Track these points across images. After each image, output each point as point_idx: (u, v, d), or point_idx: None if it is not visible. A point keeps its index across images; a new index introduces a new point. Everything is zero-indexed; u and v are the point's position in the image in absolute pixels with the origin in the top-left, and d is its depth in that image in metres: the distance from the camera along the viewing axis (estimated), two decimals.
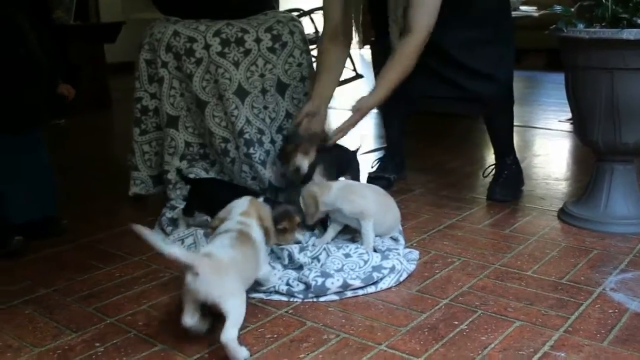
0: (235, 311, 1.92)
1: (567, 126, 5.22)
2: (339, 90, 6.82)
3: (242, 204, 2.35)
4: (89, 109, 6.20)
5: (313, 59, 3.55)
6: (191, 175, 3.22)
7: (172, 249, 1.92)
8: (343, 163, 3.16)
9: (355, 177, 3.18)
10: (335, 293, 2.34)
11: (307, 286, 2.34)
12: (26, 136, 2.92)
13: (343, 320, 2.18)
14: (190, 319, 1.99)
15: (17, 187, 2.85)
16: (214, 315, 2.04)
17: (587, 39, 2.71)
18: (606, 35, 2.66)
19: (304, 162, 2.86)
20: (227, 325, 1.89)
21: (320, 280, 2.33)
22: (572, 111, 3.05)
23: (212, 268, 1.94)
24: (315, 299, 2.32)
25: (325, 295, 2.33)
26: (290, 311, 2.25)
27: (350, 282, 2.34)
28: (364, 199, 2.66)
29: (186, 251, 2.04)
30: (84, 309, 2.33)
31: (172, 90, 3.29)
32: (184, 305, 1.99)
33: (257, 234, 2.26)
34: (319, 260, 2.52)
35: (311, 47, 4.05)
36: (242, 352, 1.92)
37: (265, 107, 3.27)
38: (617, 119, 2.80)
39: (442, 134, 5.25)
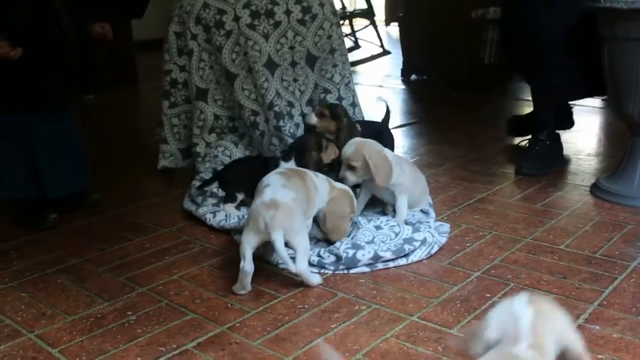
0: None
1: (599, 102, 5.14)
2: (366, 67, 6.82)
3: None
4: (116, 84, 6.20)
5: (342, 32, 3.52)
6: (209, 165, 3.22)
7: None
8: (375, 137, 3.12)
9: (391, 148, 3.13)
10: (366, 265, 2.33)
11: (338, 258, 2.33)
12: (62, 113, 2.92)
13: (374, 292, 2.17)
14: (250, 265, 2.12)
15: (55, 163, 2.86)
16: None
17: (626, 9, 2.65)
18: None
19: (350, 176, 2.65)
20: (298, 258, 2.13)
21: (351, 252, 2.32)
22: (608, 84, 2.99)
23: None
24: (346, 271, 2.31)
25: (356, 267, 2.32)
26: (321, 283, 2.24)
27: (381, 254, 2.33)
28: (403, 173, 2.63)
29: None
30: (115, 279, 2.34)
31: (201, 63, 3.28)
32: (245, 253, 2.12)
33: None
34: (349, 235, 2.51)
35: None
36: (315, 278, 2.21)
37: (295, 80, 3.25)
38: None
39: (474, 109, 5.19)
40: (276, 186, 2.23)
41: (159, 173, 3.54)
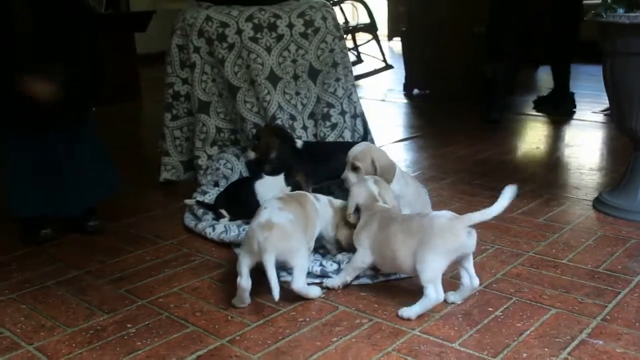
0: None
1: (601, 117, 5.14)
2: (368, 81, 6.84)
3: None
4: (119, 97, 6.22)
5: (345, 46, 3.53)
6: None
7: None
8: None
9: None
10: (368, 277, 2.31)
11: (340, 266, 2.32)
12: (83, 126, 2.89)
13: (375, 305, 2.15)
14: (247, 280, 2.11)
15: (81, 175, 2.82)
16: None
17: (628, 24, 2.65)
18: None
19: (352, 177, 2.60)
20: (295, 276, 2.13)
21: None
22: (610, 99, 2.99)
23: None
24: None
25: (359, 277, 2.30)
26: (322, 296, 2.23)
27: None
28: (407, 185, 2.63)
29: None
30: (115, 291, 2.33)
31: (204, 76, 3.29)
32: (241, 270, 2.10)
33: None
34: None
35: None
36: (314, 290, 2.22)
37: (297, 93, 3.26)
38: None
39: (476, 123, 5.18)
40: (273, 209, 2.21)
41: (160, 185, 3.54)
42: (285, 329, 2.02)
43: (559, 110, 5.22)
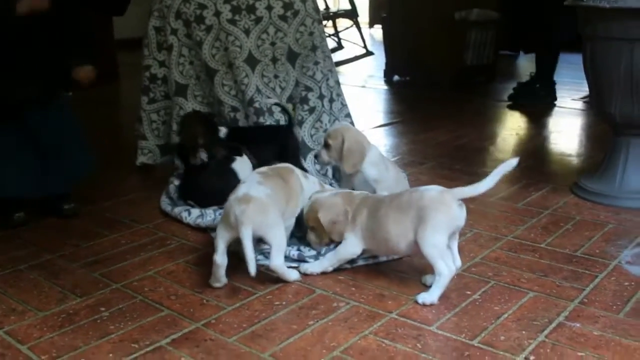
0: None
1: (580, 105, 5.15)
2: (349, 67, 6.81)
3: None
4: (96, 82, 6.12)
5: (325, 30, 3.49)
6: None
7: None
8: (276, 140, 3.02)
9: (293, 152, 3.03)
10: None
11: (319, 253, 2.30)
12: (59, 108, 2.85)
13: (353, 289, 2.13)
14: (222, 257, 2.09)
15: (60, 156, 2.79)
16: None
17: (608, 8, 2.64)
18: (628, 4, 2.60)
19: (323, 154, 2.64)
20: (272, 254, 2.10)
21: (333, 244, 2.29)
22: (590, 84, 2.98)
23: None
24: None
25: None
26: (300, 279, 2.20)
27: None
28: (387, 170, 2.62)
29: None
30: (89, 275, 2.29)
31: (181, 58, 3.24)
32: (217, 246, 2.09)
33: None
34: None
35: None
36: (293, 273, 2.17)
37: (276, 76, 3.21)
38: (635, 91, 2.73)
39: (456, 110, 5.18)
40: (252, 183, 2.20)
41: (137, 169, 3.49)
42: (262, 312, 1.99)
43: (539, 100, 5.19)
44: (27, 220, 2.78)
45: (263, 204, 2.10)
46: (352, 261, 2.29)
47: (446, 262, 2.00)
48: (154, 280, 2.24)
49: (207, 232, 2.61)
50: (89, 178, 2.91)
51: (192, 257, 2.42)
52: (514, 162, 2.02)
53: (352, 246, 2.20)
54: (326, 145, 2.60)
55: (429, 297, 2.01)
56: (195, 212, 2.73)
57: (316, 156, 2.69)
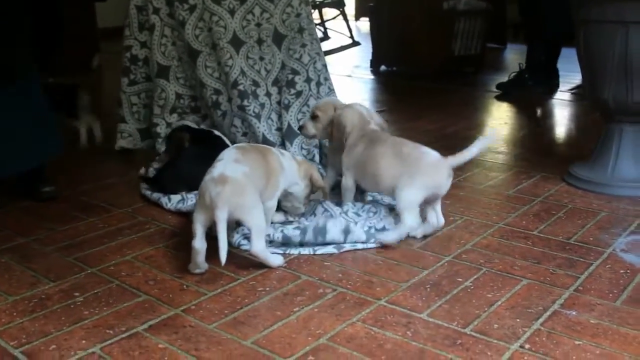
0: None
1: (569, 96, 5.10)
2: (335, 57, 6.72)
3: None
4: (78, 70, 5.99)
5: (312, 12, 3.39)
6: None
7: None
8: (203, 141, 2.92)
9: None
10: (334, 245, 2.20)
11: (304, 232, 2.21)
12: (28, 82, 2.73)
13: (340, 275, 2.05)
14: (201, 242, 2.01)
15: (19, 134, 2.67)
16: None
17: None
18: None
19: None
20: (253, 238, 2.01)
21: (321, 222, 2.22)
22: (583, 69, 2.91)
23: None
24: (312, 251, 2.19)
25: (325, 240, 2.20)
26: (284, 265, 2.11)
27: (352, 227, 2.22)
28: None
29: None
30: (63, 259, 2.19)
31: (163, 39, 3.13)
32: (195, 231, 2.01)
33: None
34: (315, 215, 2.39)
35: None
36: (276, 258, 2.09)
37: (261, 58, 3.11)
38: (630, 76, 2.66)
39: (443, 100, 5.10)
40: (228, 161, 2.08)
41: (117, 154, 3.38)
42: (244, 299, 1.90)
43: (528, 90, 5.08)
44: (1, 203, 2.67)
45: (240, 185, 1.99)
46: (338, 246, 2.21)
47: (412, 215, 2.18)
48: (132, 264, 2.14)
49: (188, 217, 2.51)
50: (65, 162, 2.80)
51: (172, 241, 2.32)
52: (492, 134, 2.20)
53: (344, 177, 2.42)
54: (314, 117, 2.53)
55: (386, 236, 2.20)
56: (176, 197, 2.64)
57: (300, 128, 2.64)
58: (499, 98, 5.07)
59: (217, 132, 2.91)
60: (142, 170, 2.97)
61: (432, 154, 2.26)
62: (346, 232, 2.20)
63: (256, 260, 2.07)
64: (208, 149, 2.63)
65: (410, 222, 2.19)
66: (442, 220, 2.30)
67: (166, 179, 2.73)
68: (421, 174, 2.20)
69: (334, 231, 2.19)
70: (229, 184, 1.96)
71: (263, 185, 2.13)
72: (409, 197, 2.19)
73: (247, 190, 2.00)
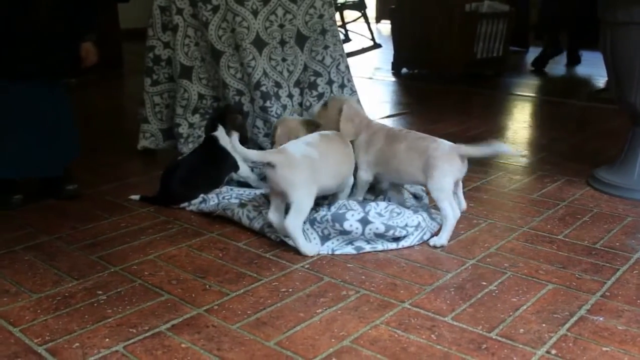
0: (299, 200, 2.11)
1: (593, 99, 5.05)
2: (356, 59, 6.71)
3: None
4: (101, 70, 6.02)
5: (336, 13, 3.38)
6: None
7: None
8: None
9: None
10: (353, 247, 2.19)
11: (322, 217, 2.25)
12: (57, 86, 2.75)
13: (363, 277, 2.03)
14: (273, 215, 2.14)
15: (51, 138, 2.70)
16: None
17: None
18: None
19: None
20: (290, 213, 2.09)
21: (342, 210, 2.25)
22: (609, 72, 2.88)
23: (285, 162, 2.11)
24: (330, 250, 2.18)
25: (342, 226, 2.19)
26: (306, 266, 2.10)
27: (371, 218, 2.21)
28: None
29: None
30: (87, 257, 2.19)
31: (186, 39, 3.14)
32: (271, 202, 2.17)
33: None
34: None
35: None
36: (310, 246, 2.17)
37: (284, 60, 3.11)
38: None
39: (465, 102, 5.07)
40: (300, 142, 2.23)
41: (139, 154, 3.39)
42: (267, 299, 1.89)
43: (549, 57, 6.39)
44: (25, 202, 2.68)
45: (295, 162, 2.11)
46: (357, 247, 2.20)
47: (452, 205, 2.26)
48: (155, 264, 2.14)
49: (210, 217, 2.51)
50: (91, 162, 2.80)
51: (195, 241, 2.32)
52: (510, 149, 2.28)
53: (364, 172, 2.44)
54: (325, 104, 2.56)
55: (439, 240, 2.25)
56: (197, 200, 2.64)
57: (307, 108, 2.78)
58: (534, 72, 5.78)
59: (216, 133, 2.79)
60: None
61: (446, 145, 2.35)
62: (364, 222, 2.19)
63: (280, 260, 2.06)
64: (204, 153, 2.76)
65: (451, 212, 2.26)
66: (464, 205, 2.41)
67: (174, 192, 2.69)
68: (438, 162, 2.28)
69: (352, 220, 2.20)
70: (285, 156, 2.11)
71: (334, 172, 2.26)
72: (440, 185, 2.26)
73: (300, 170, 2.11)
